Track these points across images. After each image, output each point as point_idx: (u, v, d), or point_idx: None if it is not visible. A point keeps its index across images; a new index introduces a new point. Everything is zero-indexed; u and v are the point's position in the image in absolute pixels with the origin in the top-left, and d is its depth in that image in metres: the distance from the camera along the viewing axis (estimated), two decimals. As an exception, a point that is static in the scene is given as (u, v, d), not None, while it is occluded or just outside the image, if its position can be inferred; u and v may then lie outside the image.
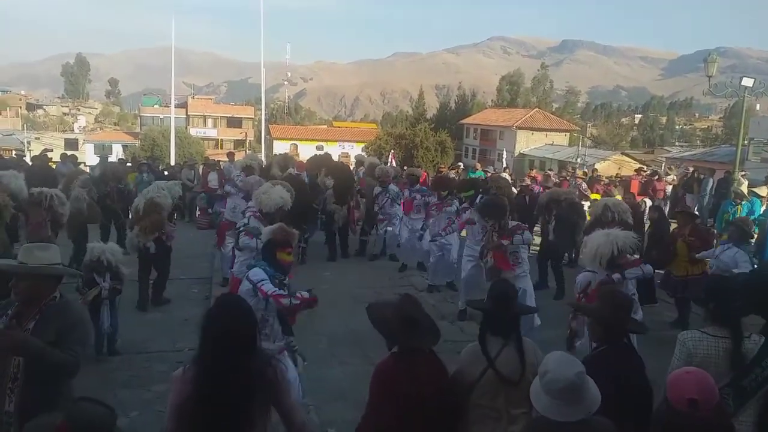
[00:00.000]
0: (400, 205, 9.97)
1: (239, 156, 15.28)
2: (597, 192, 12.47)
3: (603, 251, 5.03)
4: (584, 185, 14.52)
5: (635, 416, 2.90)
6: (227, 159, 15.05)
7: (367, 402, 2.95)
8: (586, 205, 10.31)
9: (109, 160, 16.69)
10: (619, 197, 10.88)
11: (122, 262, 6.08)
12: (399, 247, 10.33)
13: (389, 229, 10.25)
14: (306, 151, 49.66)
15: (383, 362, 2.95)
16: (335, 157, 14.93)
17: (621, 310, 3.19)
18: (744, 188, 12.48)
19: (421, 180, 10.69)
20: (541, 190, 12.49)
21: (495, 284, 3.41)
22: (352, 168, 13.37)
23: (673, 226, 8.66)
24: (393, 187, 10.30)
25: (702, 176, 16.60)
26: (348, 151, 55.52)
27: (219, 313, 2.62)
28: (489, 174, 14.95)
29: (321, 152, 14.68)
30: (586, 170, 21.09)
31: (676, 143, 77.66)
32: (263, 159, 21.49)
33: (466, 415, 3.07)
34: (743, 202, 10.88)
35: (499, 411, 2.99)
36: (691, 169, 18.29)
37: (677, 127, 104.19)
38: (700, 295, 3.55)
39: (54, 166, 14.36)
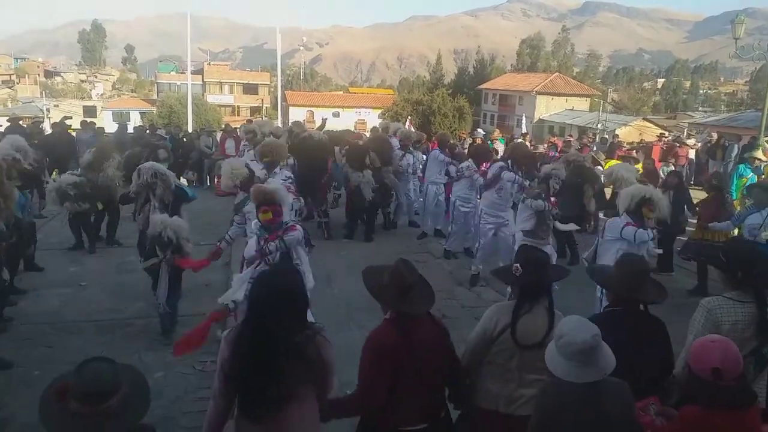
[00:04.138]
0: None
1: (257, 123, 15.22)
2: (618, 159, 12.26)
3: (623, 198, 5.25)
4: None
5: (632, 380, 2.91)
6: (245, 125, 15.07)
7: (361, 372, 2.84)
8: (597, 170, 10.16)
9: (128, 127, 16.73)
10: (639, 165, 10.72)
11: (186, 238, 5.75)
12: (417, 214, 10.35)
13: (403, 197, 10.23)
14: (322, 118, 49.49)
15: (377, 330, 2.88)
16: (351, 125, 14.81)
17: (631, 277, 3.15)
18: (760, 152, 12.10)
19: (433, 146, 10.61)
20: (557, 156, 12.31)
21: (522, 250, 3.34)
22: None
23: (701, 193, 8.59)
24: (418, 154, 10.22)
25: (727, 143, 16.27)
26: (364, 117, 55.45)
27: (266, 282, 2.61)
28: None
29: (339, 122, 14.30)
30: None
31: (700, 108, 75.92)
32: (279, 125, 21.48)
33: (471, 376, 3.09)
34: (759, 165, 10.62)
35: (512, 372, 2.99)
36: (715, 135, 17.91)
37: (701, 91, 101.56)
38: (719, 258, 3.43)
39: (74, 134, 14.48)
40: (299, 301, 2.59)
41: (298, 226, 4.54)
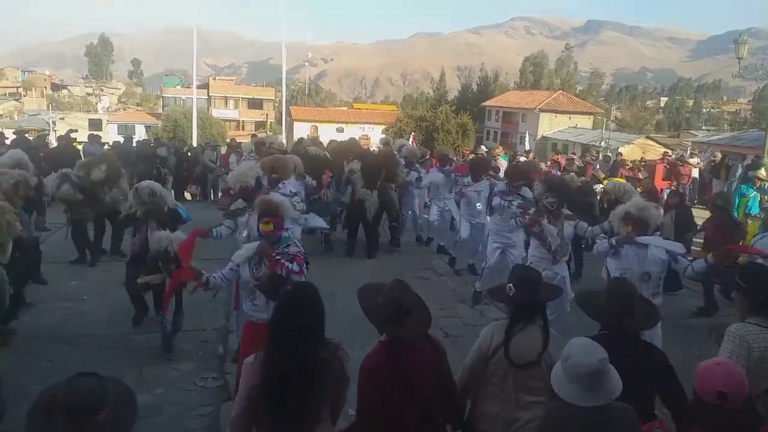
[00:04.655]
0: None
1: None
2: (621, 176, 12.27)
3: (615, 215, 5.31)
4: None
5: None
6: (251, 141, 15.14)
7: (358, 395, 2.84)
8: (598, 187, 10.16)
9: (133, 141, 16.83)
10: (640, 187, 10.74)
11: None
12: (422, 230, 10.36)
13: (410, 212, 10.23)
14: (326, 133, 49.83)
15: (371, 353, 2.86)
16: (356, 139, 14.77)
17: (617, 302, 3.10)
18: (762, 172, 12.11)
19: (436, 164, 10.59)
20: (559, 173, 12.33)
21: (516, 270, 3.34)
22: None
23: (704, 212, 8.58)
24: (423, 170, 10.24)
25: (731, 162, 16.26)
26: (368, 133, 55.50)
27: (287, 304, 2.61)
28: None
29: (343, 138, 14.13)
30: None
31: (703, 127, 75.96)
32: (284, 141, 21.58)
33: (469, 397, 3.06)
34: (762, 185, 10.58)
35: (508, 392, 2.96)
36: (719, 154, 17.90)
37: (704, 110, 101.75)
38: (736, 282, 3.34)
39: (81, 147, 14.57)
40: (320, 316, 2.61)
41: (304, 269, 4.33)
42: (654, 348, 3.25)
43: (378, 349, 2.85)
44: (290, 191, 7.34)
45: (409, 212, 10.27)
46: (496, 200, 7.14)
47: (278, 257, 4.17)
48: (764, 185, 10.72)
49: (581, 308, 3.29)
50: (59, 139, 14.81)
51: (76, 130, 16.89)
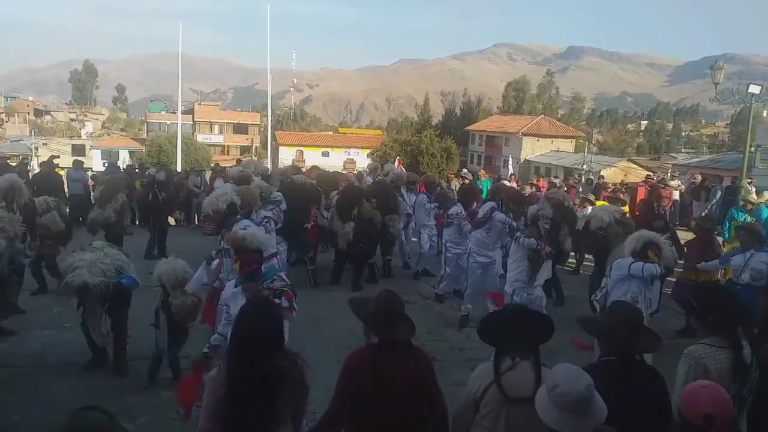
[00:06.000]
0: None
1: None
2: (604, 199, 12.41)
3: (629, 241, 5.57)
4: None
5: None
6: (236, 166, 15.13)
7: (334, 392, 2.95)
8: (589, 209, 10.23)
9: (118, 164, 16.77)
10: (626, 207, 10.87)
11: (178, 285, 5.50)
12: (410, 258, 10.34)
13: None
14: (311, 157, 49.85)
15: (355, 352, 3.00)
16: (340, 165, 14.81)
17: (627, 326, 3.07)
18: (753, 196, 12.39)
19: (420, 188, 10.67)
20: (536, 194, 12.45)
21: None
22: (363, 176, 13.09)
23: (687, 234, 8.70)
24: (412, 195, 10.27)
25: (711, 185, 16.55)
26: (353, 157, 55.87)
27: (246, 315, 2.72)
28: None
29: (328, 161, 14.14)
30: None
31: (683, 150, 77.38)
32: (269, 165, 21.58)
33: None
34: (753, 209, 10.77)
35: None
36: (699, 176, 18.20)
37: (683, 133, 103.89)
38: (688, 300, 3.43)
39: (63, 172, 14.47)
40: (279, 326, 2.71)
41: (294, 305, 4.20)
42: (656, 371, 3.19)
43: (364, 348, 3.02)
44: (263, 216, 7.44)
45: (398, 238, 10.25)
46: (500, 215, 7.08)
47: (265, 293, 4.11)
48: (755, 209, 10.89)
49: (590, 333, 3.32)
50: (42, 164, 14.68)
51: (58, 156, 16.74)
